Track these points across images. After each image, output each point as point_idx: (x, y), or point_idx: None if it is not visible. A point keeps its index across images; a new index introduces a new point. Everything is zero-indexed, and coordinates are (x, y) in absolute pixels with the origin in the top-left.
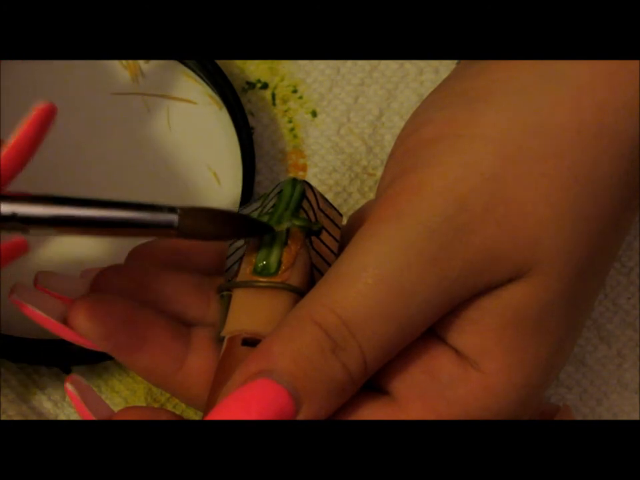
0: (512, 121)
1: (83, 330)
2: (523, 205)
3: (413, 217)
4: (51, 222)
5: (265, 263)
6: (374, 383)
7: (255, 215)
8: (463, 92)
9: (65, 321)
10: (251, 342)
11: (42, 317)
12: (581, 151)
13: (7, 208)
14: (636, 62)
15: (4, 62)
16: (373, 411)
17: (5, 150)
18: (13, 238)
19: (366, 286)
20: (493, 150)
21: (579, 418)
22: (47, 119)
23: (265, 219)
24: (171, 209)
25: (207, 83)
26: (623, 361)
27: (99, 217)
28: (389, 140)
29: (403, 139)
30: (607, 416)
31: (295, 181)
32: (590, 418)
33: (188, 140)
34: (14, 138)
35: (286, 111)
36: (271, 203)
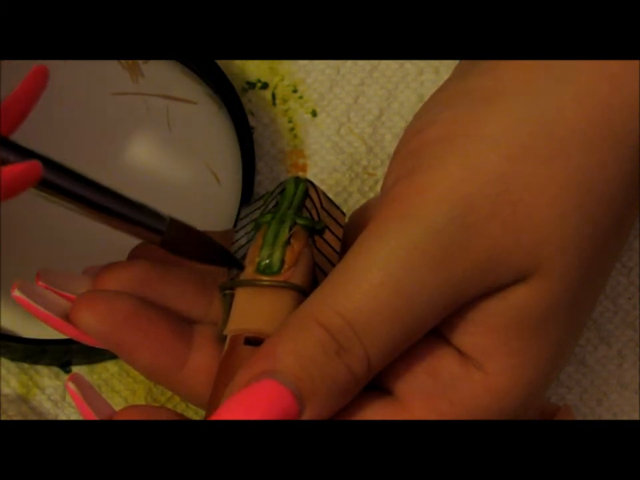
0: (518, 122)
1: (85, 326)
2: (528, 207)
3: (417, 218)
4: (45, 184)
5: (267, 261)
6: (377, 383)
7: (257, 213)
8: (468, 92)
9: (67, 317)
10: (254, 341)
11: (44, 314)
12: (586, 152)
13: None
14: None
15: (4, 62)
16: (375, 411)
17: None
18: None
19: (371, 287)
20: (498, 151)
21: (579, 418)
22: (43, 75)
23: (267, 217)
24: (161, 217)
25: (207, 83)
26: (623, 361)
27: (92, 199)
28: (389, 140)
29: (407, 138)
30: (607, 416)
31: (297, 180)
32: (590, 418)
33: (188, 140)
34: (15, 89)
35: (286, 111)
36: (274, 202)
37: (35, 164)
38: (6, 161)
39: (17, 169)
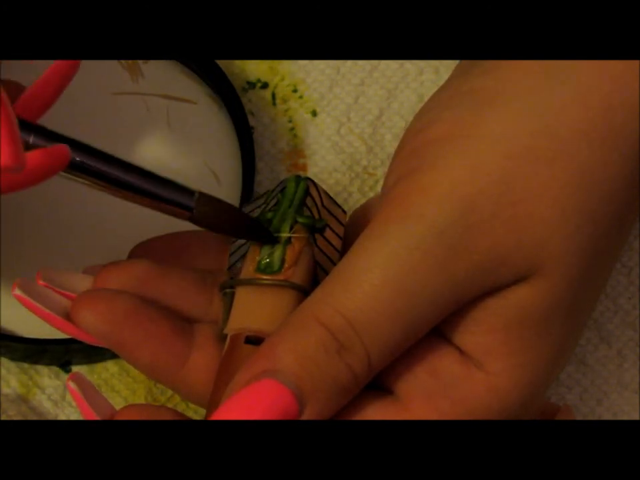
0: (519, 122)
1: (86, 325)
2: (530, 207)
3: (419, 219)
4: (73, 167)
5: (268, 260)
6: (378, 382)
7: (258, 212)
8: (470, 91)
9: (67, 316)
10: (254, 340)
11: (45, 313)
12: (588, 153)
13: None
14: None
15: (4, 62)
16: (376, 410)
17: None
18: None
19: (372, 287)
20: (500, 151)
21: (579, 418)
22: (71, 67)
23: (268, 216)
24: (190, 192)
25: (207, 83)
26: (623, 361)
27: (120, 177)
28: (389, 140)
29: (408, 138)
30: (607, 416)
31: (298, 178)
32: (590, 418)
33: (188, 140)
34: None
35: (286, 111)
36: (275, 200)
37: (63, 147)
38: (34, 146)
39: (44, 154)
